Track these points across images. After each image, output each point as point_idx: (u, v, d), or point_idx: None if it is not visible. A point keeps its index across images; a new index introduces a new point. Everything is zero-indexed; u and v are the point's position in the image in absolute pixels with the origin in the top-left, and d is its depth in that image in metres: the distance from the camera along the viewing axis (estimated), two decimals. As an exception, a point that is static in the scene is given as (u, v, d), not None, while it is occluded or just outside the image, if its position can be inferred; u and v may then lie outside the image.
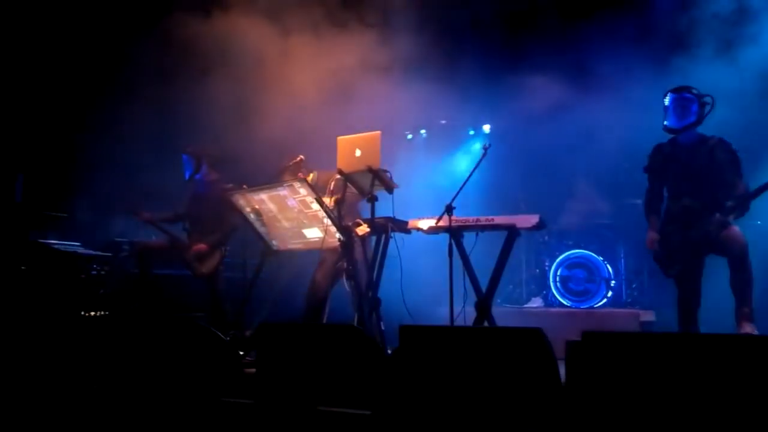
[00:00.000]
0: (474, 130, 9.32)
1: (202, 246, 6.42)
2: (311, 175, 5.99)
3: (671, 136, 5.12)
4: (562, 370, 2.99)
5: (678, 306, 5.05)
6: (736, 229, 4.78)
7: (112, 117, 7.47)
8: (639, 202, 5.59)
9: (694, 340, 2.63)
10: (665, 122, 5.06)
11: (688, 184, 5.01)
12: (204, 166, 6.65)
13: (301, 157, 5.97)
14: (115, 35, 7.36)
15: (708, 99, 4.95)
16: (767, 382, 2.45)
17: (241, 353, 5.17)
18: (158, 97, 7.09)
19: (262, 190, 5.48)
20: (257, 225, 5.71)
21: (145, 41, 6.89)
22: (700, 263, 4.98)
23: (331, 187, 5.72)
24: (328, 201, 5.41)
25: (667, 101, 5.04)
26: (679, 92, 4.99)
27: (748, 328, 4.57)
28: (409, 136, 9.49)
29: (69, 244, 6.89)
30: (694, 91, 4.98)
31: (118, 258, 7.19)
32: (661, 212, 5.22)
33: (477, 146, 9.19)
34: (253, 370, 4.05)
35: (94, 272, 6.90)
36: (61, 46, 7.54)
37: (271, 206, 5.50)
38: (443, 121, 9.28)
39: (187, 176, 6.72)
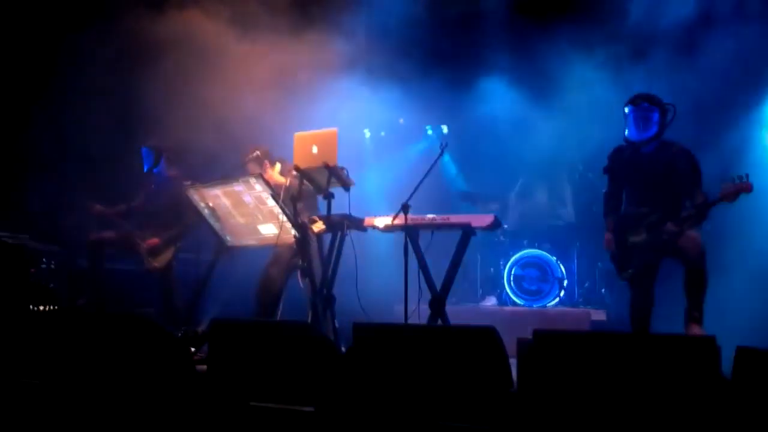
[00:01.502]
0: (432, 129, 9.36)
1: (155, 240, 6.36)
2: (277, 165, 5.92)
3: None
4: (515, 368, 3.02)
5: (630, 308, 5.06)
6: (695, 234, 4.77)
7: (63, 110, 7.31)
8: (593, 203, 5.67)
9: (641, 340, 2.68)
10: (626, 133, 4.97)
11: (647, 192, 4.99)
12: (163, 161, 6.57)
13: (257, 153, 5.91)
14: (65, 27, 7.18)
15: (669, 107, 4.90)
16: (712, 381, 2.50)
17: (193, 350, 5.11)
18: (110, 90, 6.96)
19: (216, 185, 5.42)
20: (211, 220, 5.65)
21: (96, 33, 6.75)
22: (655, 268, 4.97)
23: (287, 184, 5.69)
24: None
25: (627, 111, 4.95)
26: (639, 104, 4.89)
27: (696, 330, 4.63)
28: (368, 134, 9.48)
29: (18, 237, 6.73)
30: (656, 100, 4.91)
31: (69, 252, 7.04)
32: (618, 214, 5.21)
33: (435, 144, 9.24)
34: (205, 367, 4.01)
35: (44, 266, 6.75)
36: (6, 39, 7.32)
37: (226, 202, 5.44)
38: (401, 120, 9.29)
39: (145, 169, 6.62)
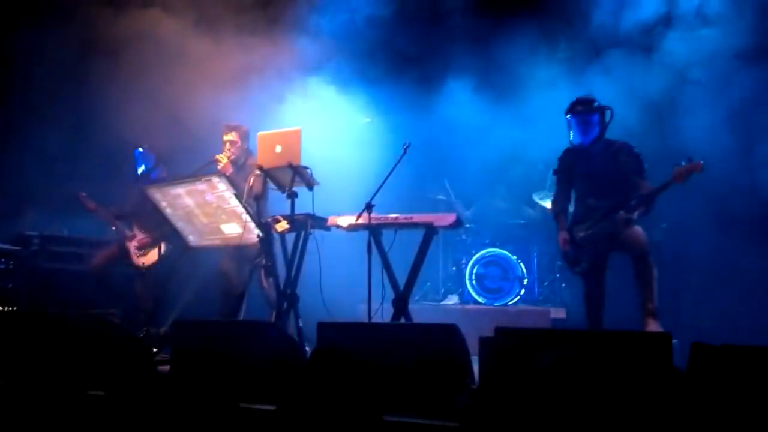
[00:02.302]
0: (396, 128, 9.39)
1: (147, 238, 6.49)
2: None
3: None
4: (476, 366, 3.08)
5: (585, 300, 5.28)
6: (638, 228, 4.98)
7: (24, 108, 7.18)
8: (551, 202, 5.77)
9: (598, 337, 2.75)
10: (570, 139, 5.21)
11: (593, 186, 5.19)
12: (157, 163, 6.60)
13: (217, 157, 5.83)
14: (19, 21, 7.05)
15: (607, 112, 5.10)
16: (667, 377, 2.58)
17: (155, 350, 5.07)
18: (71, 88, 6.87)
19: (179, 184, 5.39)
20: (174, 219, 5.60)
21: (53, 28, 6.65)
22: (604, 260, 5.17)
23: (250, 183, 5.67)
24: None
25: (568, 118, 5.20)
26: (578, 113, 5.12)
27: (653, 326, 4.76)
28: (334, 133, 9.47)
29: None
30: (595, 105, 5.12)
31: (28, 252, 6.92)
32: (568, 213, 5.41)
33: (397, 145, 9.28)
34: (167, 367, 3.99)
35: (2, 266, 6.63)
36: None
37: (189, 201, 5.40)
38: (367, 119, 9.32)
39: (143, 171, 6.62)
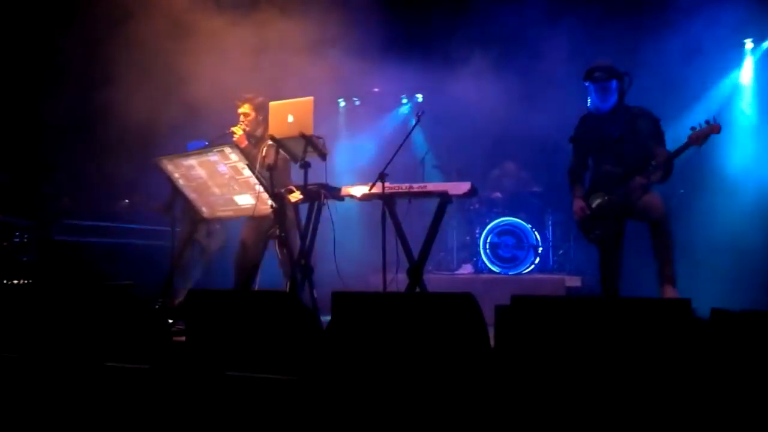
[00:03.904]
0: (407, 98, 9.34)
1: (215, 226, 6.24)
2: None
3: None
4: (491, 335, 3.06)
5: (600, 269, 5.21)
6: (656, 194, 4.93)
7: (31, 80, 7.16)
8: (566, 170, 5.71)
9: (616, 304, 2.72)
10: (588, 106, 5.17)
11: (610, 152, 5.11)
12: None
13: (232, 129, 5.78)
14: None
15: (626, 78, 5.05)
16: (687, 344, 2.55)
17: (171, 321, 5.10)
18: (77, 60, 6.80)
19: (191, 155, 5.35)
20: (187, 191, 5.58)
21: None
22: (621, 227, 5.11)
23: (263, 154, 5.64)
24: None
25: (586, 85, 5.15)
26: (596, 79, 5.06)
27: (670, 292, 4.74)
28: (342, 104, 9.44)
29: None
30: (612, 70, 5.05)
31: (43, 225, 6.95)
32: (584, 181, 5.34)
33: (409, 113, 9.24)
34: (183, 338, 4.00)
35: (18, 239, 6.66)
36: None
37: (201, 172, 5.38)
38: (376, 89, 9.26)
39: None
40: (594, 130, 5.19)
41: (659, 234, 4.82)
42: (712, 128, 4.68)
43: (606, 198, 5.10)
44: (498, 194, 8.06)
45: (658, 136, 4.99)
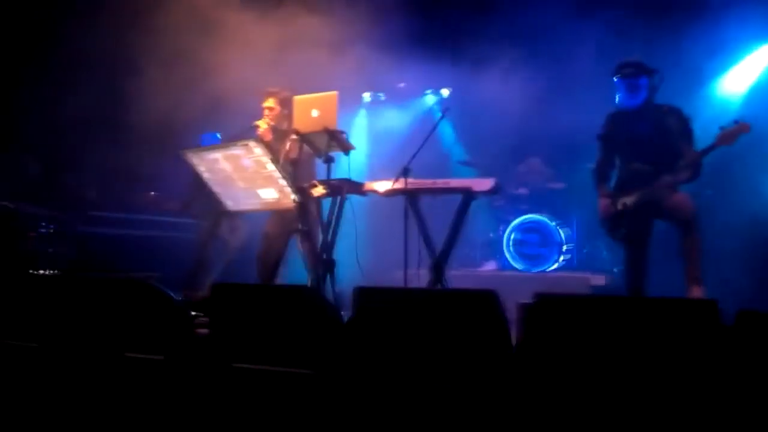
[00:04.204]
0: (433, 93, 9.29)
1: (237, 220, 6.25)
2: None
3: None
4: (514, 333, 3.03)
5: (625, 269, 5.15)
6: (684, 195, 4.86)
7: (58, 73, 7.22)
8: (591, 167, 5.65)
9: (642, 304, 2.68)
10: (617, 102, 5.10)
11: (639, 150, 5.04)
12: None
13: (257, 123, 5.80)
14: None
15: (657, 75, 4.98)
16: (713, 346, 2.51)
17: (193, 314, 5.12)
18: (104, 51, 6.85)
19: (216, 148, 5.38)
20: (211, 184, 5.61)
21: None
22: (648, 226, 5.04)
23: (287, 148, 5.64)
24: None
25: (615, 81, 5.08)
26: (626, 76, 5.00)
27: (697, 292, 4.67)
28: (368, 98, 9.42)
29: (17, 202, 6.72)
30: (642, 67, 4.99)
31: (69, 216, 7.03)
32: (611, 179, 5.28)
33: (434, 108, 9.20)
34: (206, 330, 4.02)
35: (44, 230, 6.75)
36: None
37: (226, 165, 5.40)
38: (402, 84, 9.23)
39: None
40: (622, 127, 5.12)
41: (687, 234, 4.76)
42: (742, 127, 4.63)
43: (633, 196, 5.02)
44: (523, 190, 7.99)
45: (688, 135, 4.92)
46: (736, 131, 4.64)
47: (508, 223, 7.72)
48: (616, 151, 5.25)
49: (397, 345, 3.13)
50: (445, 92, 9.11)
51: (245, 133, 5.59)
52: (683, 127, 4.93)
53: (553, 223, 7.53)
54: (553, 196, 7.87)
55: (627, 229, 5.06)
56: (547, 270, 7.45)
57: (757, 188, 6.46)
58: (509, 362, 2.90)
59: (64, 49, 7.14)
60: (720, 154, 4.81)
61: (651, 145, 4.97)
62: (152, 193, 6.48)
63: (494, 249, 7.98)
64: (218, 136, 6.03)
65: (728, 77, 7.39)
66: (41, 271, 6.26)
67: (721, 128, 4.67)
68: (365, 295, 3.43)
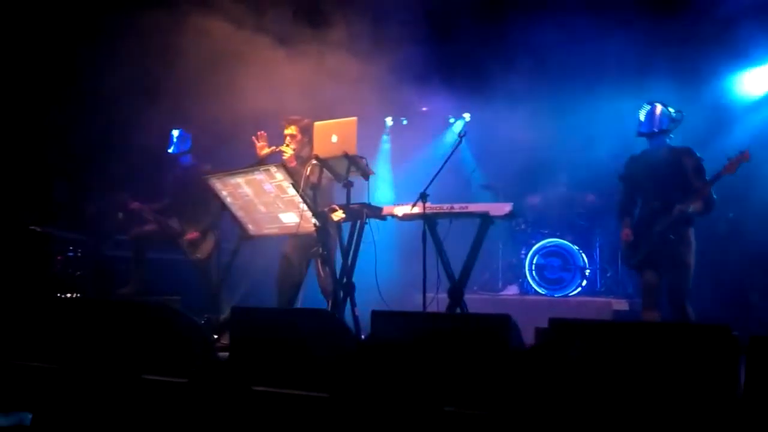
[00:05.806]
0: (454, 118, 9.34)
1: (194, 234, 6.50)
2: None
3: (645, 147, 5.40)
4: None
5: (641, 295, 5.33)
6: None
7: (86, 101, 7.38)
8: (616, 193, 5.71)
9: (654, 329, 2.68)
10: (638, 128, 5.37)
11: (655, 187, 5.28)
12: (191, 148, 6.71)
13: (281, 148, 5.84)
14: (86, 18, 7.22)
15: (678, 115, 5.28)
16: (725, 370, 2.51)
17: (215, 337, 5.18)
18: (132, 80, 6.99)
19: (238, 173, 5.46)
20: (234, 208, 5.68)
21: (118, 25, 6.78)
22: (660, 256, 5.17)
23: (307, 173, 5.69)
24: None
25: (640, 111, 5.38)
26: (652, 104, 5.32)
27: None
28: (390, 123, 9.49)
29: (46, 226, 6.86)
30: (665, 104, 5.31)
31: (94, 240, 7.15)
32: (634, 215, 5.48)
33: (455, 134, 9.22)
34: (227, 354, 4.07)
35: (71, 254, 6.86)
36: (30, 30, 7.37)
37: (248, 190, 5.48)
38: (424, 109, 9.29)
39: (174, 152, 6.73)
40: (642, 170, 5.39)
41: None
42: (742, 156, 4.91)
43: (650, 227, 5.22)
44: (536, 198, 8.02)
45: (700, 172, 5.16)
46: (737, 160, 4.90)
47: (530, 246, 7.71)
48: (636, 191, 5.49)
49: (411, 368, 3.15)
50: (467, 116, 9.14)
51: (269, 158, 5.67)
52: (696, 165, 5.17)
53: (576, 247, 7.51)
54: (576, 220, 7.84)
55: (642, 255, 5.24)
56: (570, 294, 7.42)
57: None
58: (524, 386, 2.90)
59: (97, 75, 7.31)
60: (741, 177, 5.00)
61: (668, 185, 5.20)
62: (135, 202, 6.61)
63: (516, 273, 7.96)
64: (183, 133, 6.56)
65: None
66: (68, 295, 6.38)
67: (728, 158, 4.93)
68: (382, 318, 3.46)
